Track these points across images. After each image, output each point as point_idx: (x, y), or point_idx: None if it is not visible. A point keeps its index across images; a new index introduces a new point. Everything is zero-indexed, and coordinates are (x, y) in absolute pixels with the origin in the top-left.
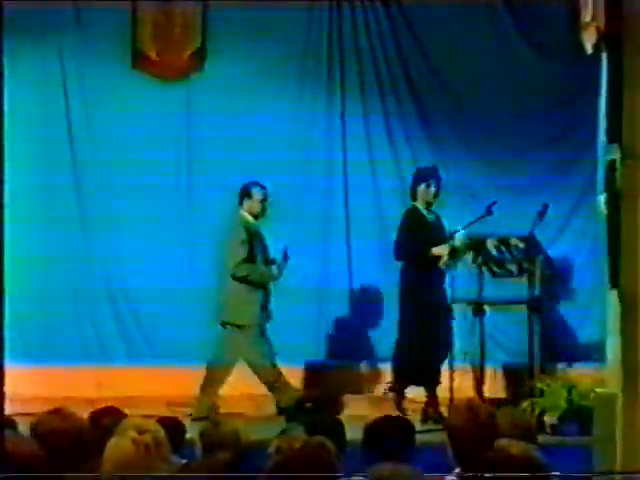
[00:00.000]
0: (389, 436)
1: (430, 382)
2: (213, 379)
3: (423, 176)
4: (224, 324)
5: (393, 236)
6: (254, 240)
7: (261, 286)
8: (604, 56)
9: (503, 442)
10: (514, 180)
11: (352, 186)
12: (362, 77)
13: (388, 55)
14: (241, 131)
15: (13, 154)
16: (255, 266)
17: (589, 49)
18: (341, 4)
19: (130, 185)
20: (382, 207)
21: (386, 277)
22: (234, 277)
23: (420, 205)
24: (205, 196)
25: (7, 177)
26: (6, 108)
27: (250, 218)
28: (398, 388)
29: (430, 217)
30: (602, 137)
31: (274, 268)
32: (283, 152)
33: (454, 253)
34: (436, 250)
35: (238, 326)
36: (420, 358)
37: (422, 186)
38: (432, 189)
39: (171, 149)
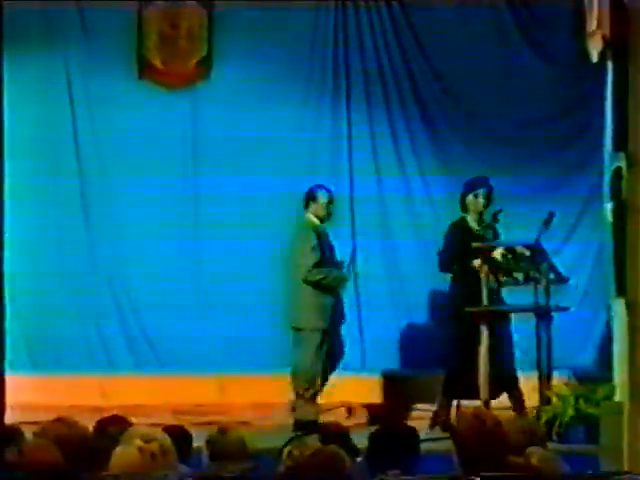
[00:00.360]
0: (393, 444)
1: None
2: (302, 383)
3: (471, 186)
4: (296, 329)
5: (398, 241)
6: (323, 243)
7: (332, 290)
8: (609, 64)
9: (531, 449)
10: (519, 188)
11: (358, 192)
12: (367, 83)
13: (392, 59)
14: (247, 139)
15: (19, 163)
16: (328, 270)
17: (595, 57)
18: (346, 9)
19: (136, 194)
20: (387, 214)
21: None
22: (307, 282)
23: (470, 216)
24: (212, 206)
25: (14, 187)
26: (12, 117)
27: (317, 221)
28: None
29: (478, 229)
30: (608, 145)
31: (344, 271)
32: (288, 159)
33: (493, 265)
34: (475, 262)
35: (310, 330)
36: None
37: (470, 196)
38: (480, 200)
39: (177, 157)
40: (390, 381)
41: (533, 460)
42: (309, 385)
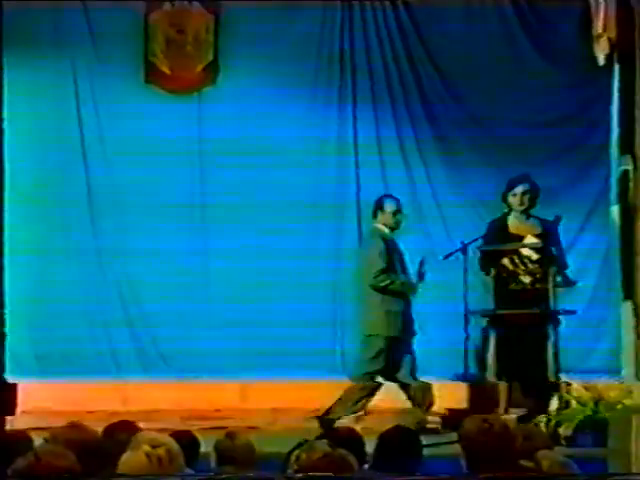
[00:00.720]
0: (396, 447)
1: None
2: (358, 389)
3: (510, 184)
4: (364, 336)
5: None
6: (391, 251)
7: (402, 296)
8: (616, 67)
9: (540, 453)
10: None
11: (364, 193)
12: (373, 83)
13: (398, 59)
14: (254, 142)
15: (25, 166)
16: (395, 276)
17: (601, 60)
18: (352, 10)
19: (143, 200)
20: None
21: None
22: (374, 288)
23: (513, 215)
24: (219, 212)
25: (19, 191)
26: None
27: (386, 230)
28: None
29: (520, 227)
30: (614, 148)
31: (413, 278)
32: (295, 162)
33: (500, 269)
34: (505, 261)
35: (381, 337)
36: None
37: (509, 195)
38: (517, 198)
39: (184, 162)
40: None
41: (544, 464)
42: (366, 392)
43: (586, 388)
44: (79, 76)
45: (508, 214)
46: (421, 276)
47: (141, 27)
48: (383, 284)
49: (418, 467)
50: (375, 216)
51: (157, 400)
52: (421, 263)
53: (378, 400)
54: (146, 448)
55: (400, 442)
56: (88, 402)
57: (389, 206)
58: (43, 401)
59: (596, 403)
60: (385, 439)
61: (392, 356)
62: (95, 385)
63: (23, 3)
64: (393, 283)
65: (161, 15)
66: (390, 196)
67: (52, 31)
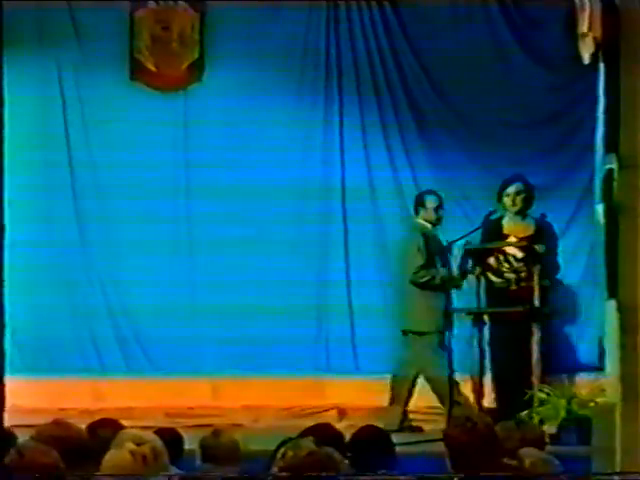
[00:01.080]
0: (368, 445)
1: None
2: (400, 389)
3: (503, 184)
4: (405, 332)
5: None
6: (432, 246)
7: (442, 291)
8: (601, 66)
9: (522, 451)
10: None
11: (350, 197)
12: (359, 83)
13: (384, 59)
14: (239, 141)
15: (10, 164)
16: (435, 270)
17: (586, 59)
18: (338, 9)
19: (128, 196)
20: (383, 221)
21: None
22: (414, 283)
23: (508, 215)
24: (204, 210)
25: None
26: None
27: (427, 225)
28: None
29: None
30: (599, 147)
31: (455, 273)
32: (281, 160)
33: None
34: (490, 259)
35: (419, 334)
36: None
37: (503, 195)
38: (510, 198)
39: (169, 160)
40: None
41: (527, 462)
42: (407, 388)
43: (557, 386)
44: (64, 73)
45: (504, 215)
46: (464, 271)
47: (126, 24)
48: (423, 280)
49: (393, 465)
50: (417, 212)
51: (134, 397)
52: (464, 258)
53: (357, 398)
54: (130, 446)
55: (371, 442)
56: (64, 400)
57: (430, 202)
58: (22, 398)
59: (569, 401)
60: (356, 439)
61: (430, 352)
62: (70, 382)
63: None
64: (433, 279)
65: (146, 12)
66: (431, 192)
67: (37, 29)
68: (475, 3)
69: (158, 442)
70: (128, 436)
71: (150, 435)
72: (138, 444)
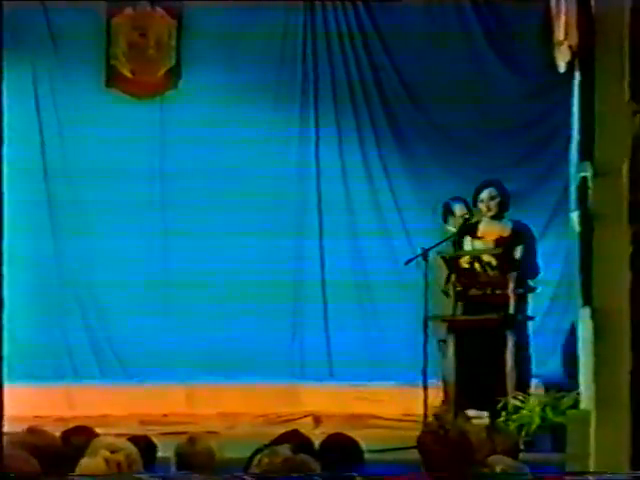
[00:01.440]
0: (337, 453)
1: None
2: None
3: (476, 190)
4: (440, 340)
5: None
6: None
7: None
8: (577, 75)
9: (493, 458)
10: None
11: (325, 197)
12: (335, 88)
13: (359, 61)
14: (215, 146)
15: None
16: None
17: (562, 67)
18: (314, 13)
19: (103, 201)
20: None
21: None
22: (445, 293)
23: (484, 220)
24: (180, 212)
25: None
26: None
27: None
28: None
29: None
30: (574, 155)
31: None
32: (257, 165)
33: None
34: (464, 266)
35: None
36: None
37: (478, 201)
38: (484, 204)
39: (145, 166)
40: None
41: (497, 469)
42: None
43: (533, 393)
44: (39, 79)
45: (481, 220)
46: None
47: (103, 30)
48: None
49: (359, 471)
50: (445, 221)
51: (108, 405)
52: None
53: (332, 405)
54: (105, 453)
55: (339, 449)
56: (38, 407)
57: (459, 209)
58: None
59: (543, 408)
60: (325, 446)
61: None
62: (44, 389)
63: None
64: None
65: (123, 18)
66: (459, 199)
67: (11, 33)
68: (450, 11)
69: (132, 450)
70: (102, 444)
71: (124, 443)
72: (112, 452)
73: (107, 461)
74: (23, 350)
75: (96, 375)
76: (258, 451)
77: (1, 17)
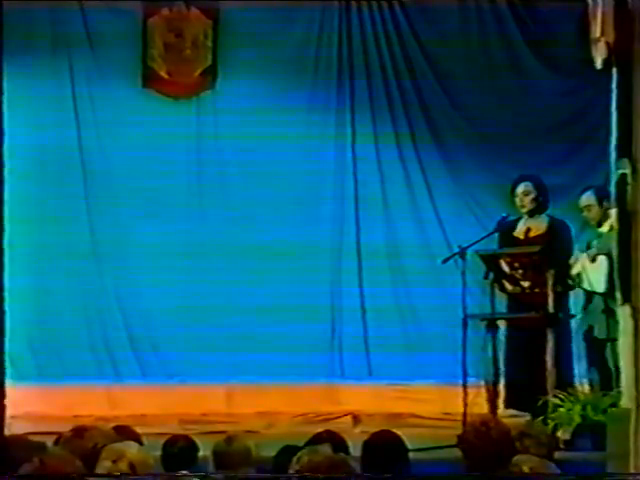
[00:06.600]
0: (382, 451)
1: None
2: None
3: (512, 185)
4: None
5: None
6: None
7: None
8: (614, 71)
9: (519, 458)
10: None
11: (362, 203)
12: (371, 88)
13: (395, 60)
14: (252, 147)
15: (22, 170)
16: None
17: (599, 64)
18: (349, 12)
19: (141, 203)
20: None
21: None
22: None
23: (523, 217)
24: (216, 214)
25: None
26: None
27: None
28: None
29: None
30: (613, 152)
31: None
32: (293, 165)
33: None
34: (503, 264)
35: None
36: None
37: (514, 197)
38: (518, 198)
39: (182, 167)
40: None
41: (525, 468)
42: None
43: (572, 392)
44: (76, 79)
45: (521, 218)
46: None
47: (139, 31)
48: None
49: (407, 470)
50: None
51: (148, 404)
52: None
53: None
54: (107, 464)
55: (385, 447)
56: (78, 407)
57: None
58: (35, 405)
59: (584, 407)
60: (370, 444)
61: None
62: (84, 389)
63: (20, 4)
64: None
65: (159, 19)
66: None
67: (49, 34)
68: (486, 10)
69: (136, 453)
70: (108, 454)
71: (130, 448)
72: (114, 461)
73: (109, 473)
74: (62, 349)
75: (137, 375)
76: (301, 448)
77: (1, 17)
